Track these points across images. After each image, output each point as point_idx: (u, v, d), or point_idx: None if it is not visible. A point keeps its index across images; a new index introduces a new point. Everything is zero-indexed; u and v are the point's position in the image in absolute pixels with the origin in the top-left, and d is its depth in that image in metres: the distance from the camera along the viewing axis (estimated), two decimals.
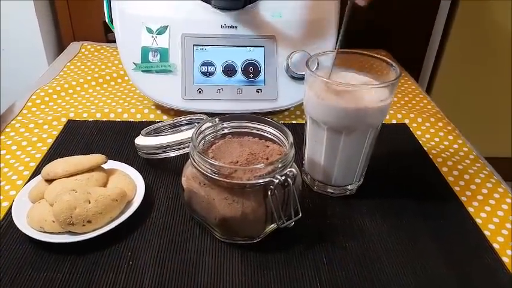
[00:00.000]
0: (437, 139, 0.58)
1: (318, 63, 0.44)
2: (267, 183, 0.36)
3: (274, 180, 0.36)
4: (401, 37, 0.93)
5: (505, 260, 0.39)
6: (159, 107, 0.62)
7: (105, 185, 0.42)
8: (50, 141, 0.53)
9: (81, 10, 0.85)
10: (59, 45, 0.91)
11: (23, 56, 0.85)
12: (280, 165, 0.37)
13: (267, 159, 0.40)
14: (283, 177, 0.36)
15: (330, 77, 0.42)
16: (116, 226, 0.39)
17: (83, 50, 0.82)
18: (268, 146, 0.42)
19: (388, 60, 0.42)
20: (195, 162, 0.38)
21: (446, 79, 1.11)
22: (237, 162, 0.39)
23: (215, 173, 0.37)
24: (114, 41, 0.60)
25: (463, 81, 1.14)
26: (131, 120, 0.59)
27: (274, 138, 0.42)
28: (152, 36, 0.58)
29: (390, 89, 0.40)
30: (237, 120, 0.44)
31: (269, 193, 0.36)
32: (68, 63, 0.76)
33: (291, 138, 0.39)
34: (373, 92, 0.40)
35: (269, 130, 0.43)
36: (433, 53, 1.04)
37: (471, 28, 1.05)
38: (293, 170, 0.37)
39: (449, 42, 1.06)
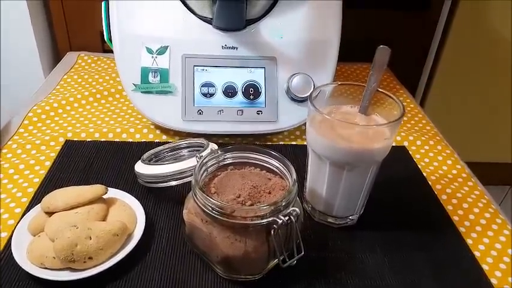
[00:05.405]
0: (436, 163, 0.58)
1: (320, 95, 0.44)
2: (270, 223, 0.36)
3: (278, 220, 0.36)
4: (401, 49, 0.92)
5: None
6: (159, 126, 0.61)
7: (105, 217, 0.42)
8: (48, 164, 0.53)
9: (77, 19, 0.84)
10: (55, 55, 0.90)
11: (18, 66, 0.84)
12: (284, 204, 0.37)
13: (270, 193, 0.40)
14: (287, 217, 0.36)
15: (333, 113, 0.42)
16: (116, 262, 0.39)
17: (79, 61, 0.81)
18: (270, 179, 0.42)
19: (392, 95, 0.42)
20: (197, 198, 0.38)
21: (441, 86, 1.12)
22: (239, 197, 0.39)
23: (217, 212, 0.36)
24: (111, 51, 0.59)
25: (458, 89, 1.15)
26: (130, 140, 0.59)
27: (276, 170, 0.42)
28: (152, 57, 0.57)
29: (394, 127, 0.40)
30: (240, 151, 0.44)
31: (272, 232, 0.36)
32: (65, 76, 0.75)
33: (294, 175, 0.39)
34: (377, 131, 0.40)
35: (271, 162, 0.43)
36: (429, 63, 1.05)
37: (469, 33, 1.06)
38: (296, 209, 0.37)
39: (446, 50, 1.07)
